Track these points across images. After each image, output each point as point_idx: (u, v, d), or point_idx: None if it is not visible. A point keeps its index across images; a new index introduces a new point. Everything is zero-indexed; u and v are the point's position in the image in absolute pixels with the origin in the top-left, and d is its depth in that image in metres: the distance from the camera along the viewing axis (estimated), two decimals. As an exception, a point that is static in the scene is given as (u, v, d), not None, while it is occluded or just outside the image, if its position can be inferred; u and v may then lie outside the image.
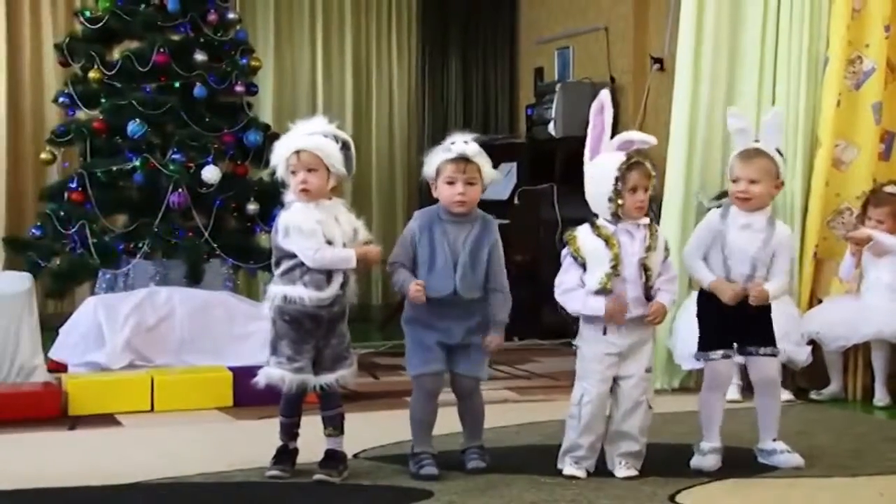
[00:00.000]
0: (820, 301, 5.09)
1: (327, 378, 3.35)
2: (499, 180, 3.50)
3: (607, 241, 3.34)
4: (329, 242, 3.31)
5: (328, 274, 3.32)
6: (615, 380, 3.40)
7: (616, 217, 3.36)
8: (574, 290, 3.37)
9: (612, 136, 3.47)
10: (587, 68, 7.65)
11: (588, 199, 3.43)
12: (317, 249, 3.28)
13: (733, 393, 4.55)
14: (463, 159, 3.36)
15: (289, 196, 3.37)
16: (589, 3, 7.79)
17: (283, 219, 3.33)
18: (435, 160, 3.41)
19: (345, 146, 3.39)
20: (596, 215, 3.42)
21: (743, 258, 3.51)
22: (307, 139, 3.33)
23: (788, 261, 3.65)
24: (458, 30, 8.85)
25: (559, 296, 3.41)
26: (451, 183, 3.38)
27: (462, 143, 3.38)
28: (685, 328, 4.55)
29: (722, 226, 3.54)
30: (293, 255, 3.31)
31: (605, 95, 3.45)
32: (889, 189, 4.86)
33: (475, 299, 3.43)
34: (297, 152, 3.31)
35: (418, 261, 3.42)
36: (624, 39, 7.39)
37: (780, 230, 3.59)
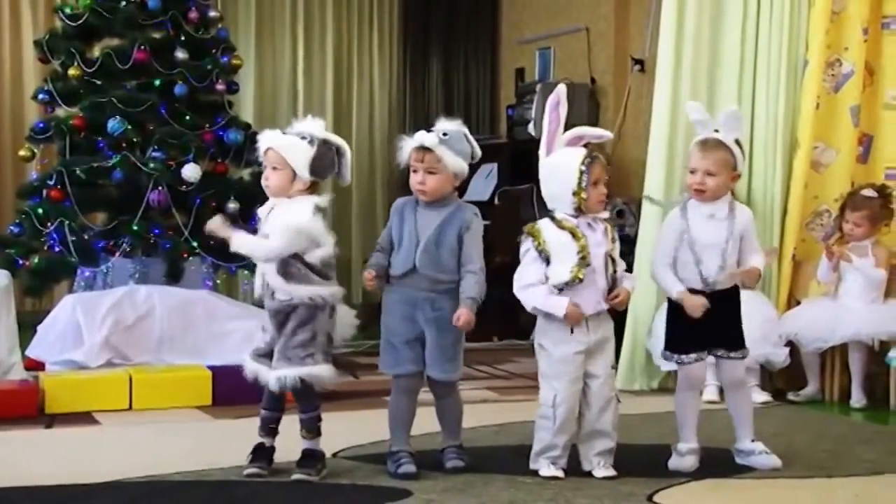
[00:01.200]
0: (798, 303, 5.12)
1: (269, 374, 3.35)
2: (464, 172, 3.47)
3: (573, 233, 3.36)
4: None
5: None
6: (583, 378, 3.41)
7: (578, 211, 3.38)
8: (535, 285, 3.37)
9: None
10: (568, 69, 7.67)
11: (546, 195, 3.45)
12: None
13: (712, 394, 4.57)
14: (422, 148, 3.39)
15: None
16: (570, 3, 7.81)
17: None
18: (405, 148, 3.44)
19: (338, 152, 3.41)
20: (551, 211, 3.43)
21: (712, 250, 3.50)
22: (276, 138, 3.38)
23: (756, 239, 3.65)
24: (439, 29, 8.86)
25: (519, 290, 3.41)
26: (414, 171, 3.43)
27: (424, 131, 3.42)
28: (664, 329, 4.57)
29: (684, 222, 3.54)
30: None
31: (561, 90, 3.48)
32: (866, 192, 4.89)
33: (440, 284, 3.40)
34: (266, 150, 3.38)
35: (394, 242, 3.47)
36: (605, 40, 7.41)
37: (742, 215, 3.58)
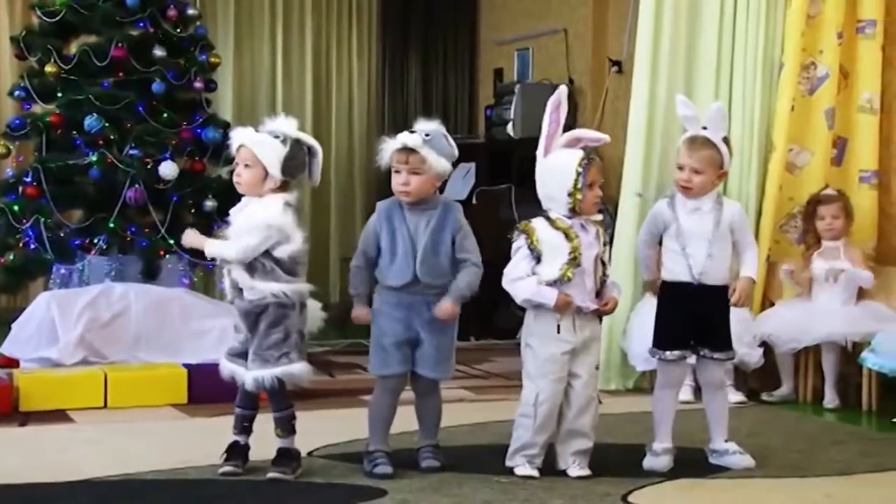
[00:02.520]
0: (772, 304, 5.15)
1: (246, 374, 3.35)
2: (447, 172, 3.48)
3: (566, 233, 3.38)
4: None
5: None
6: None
7: (573, 212, 3.40)
8: (524, 278, 3.39)
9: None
10: (546, 70, 7.69)
11: (542, 195, 3.47)
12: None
13: (686, 394, 4.59)
14: (406, 149, 3.38)
15: None
16: (548, 5, 7.83)
17: None
18: (387, 150, 3.43)
19: (310, 152, 3.41)
20: (546, 210, 3.45)
21: (698, 242, 3.53)
22: (249, 135, 3.39)
23: (750, 233, 3.69)
24: (418, 29, 8.86)
25: (508, 284, 3.43)
26: (397, 172, 3.41)
27: (408, 133, 3.41)
28: (640, 329, 4.59)
29: (672, 214, 3.57)
30: None
31: (562, 91, 3.49)
32: (828, 191, 4.98)
33: (438, 289, 3.41)
34: (239, 147, 3.38)
35: (381, 250, 3.44)
36: (583, 42, 7.44)
37: (730, 208, 3.61)
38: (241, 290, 3.36)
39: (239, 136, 3.40)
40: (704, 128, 3.57)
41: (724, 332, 3.62)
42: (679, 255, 3.55)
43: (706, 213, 3.55)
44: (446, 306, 3.38)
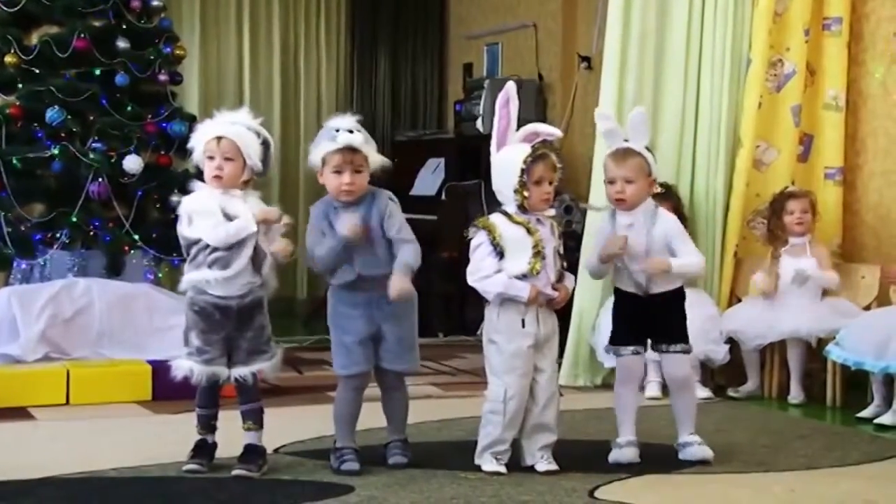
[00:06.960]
0: (739, 300, 5.18)
1: (241, 371, 3.32)
2: (386, 165, 3.45)
3: (527, 227, 3.38)
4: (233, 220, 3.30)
5: (231, 253, 3.28)
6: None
7: (522, 209, 3.39)
8: (492, 275, 3.38)
9: None
10: (516, 65, 7.69)
11: (496, 191, 3.47)
12: (216, 225, 3.26)
13: (654, 390, 4.62)
14: (349, 149, 3.34)
15: (196, 184, 3.37)
16: (518, 0, 7.83)
17: (183, 205, 3.36)
18: (319, 150, 3.37)
19: (264, 144, 3.37)
20: (502, 205, 3.44)
21: (635, 256, 3.53)
22: (229, 127, 3.32)
23: (688, 242, 3.62)
24: (387, 23, 8.84)
25: (477, 282, 3.40)
26: (338, 172, 3.36)
27: (347, 132, 3.35)
28: (608, 326, 4.58)
29: (612, 228, 3.58)
30: (198, 241, 3.30)
31: (510, 87, 3.49)
32: (792, 189, 5.00)
33: (386, 280, 3.35)
34: (218, 138, 3.30)
35: None
36: (552, 37, 7.45)
37: (662, 220, 3.57)
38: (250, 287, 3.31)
39: (218, 128, 3.31)
40: (626, 140, 3.57)
41: (678, 325, 3.62)
42: (624, 271, 3.58)
43: (640, 228, 3.53)
44: (396, 282, 3.30)
